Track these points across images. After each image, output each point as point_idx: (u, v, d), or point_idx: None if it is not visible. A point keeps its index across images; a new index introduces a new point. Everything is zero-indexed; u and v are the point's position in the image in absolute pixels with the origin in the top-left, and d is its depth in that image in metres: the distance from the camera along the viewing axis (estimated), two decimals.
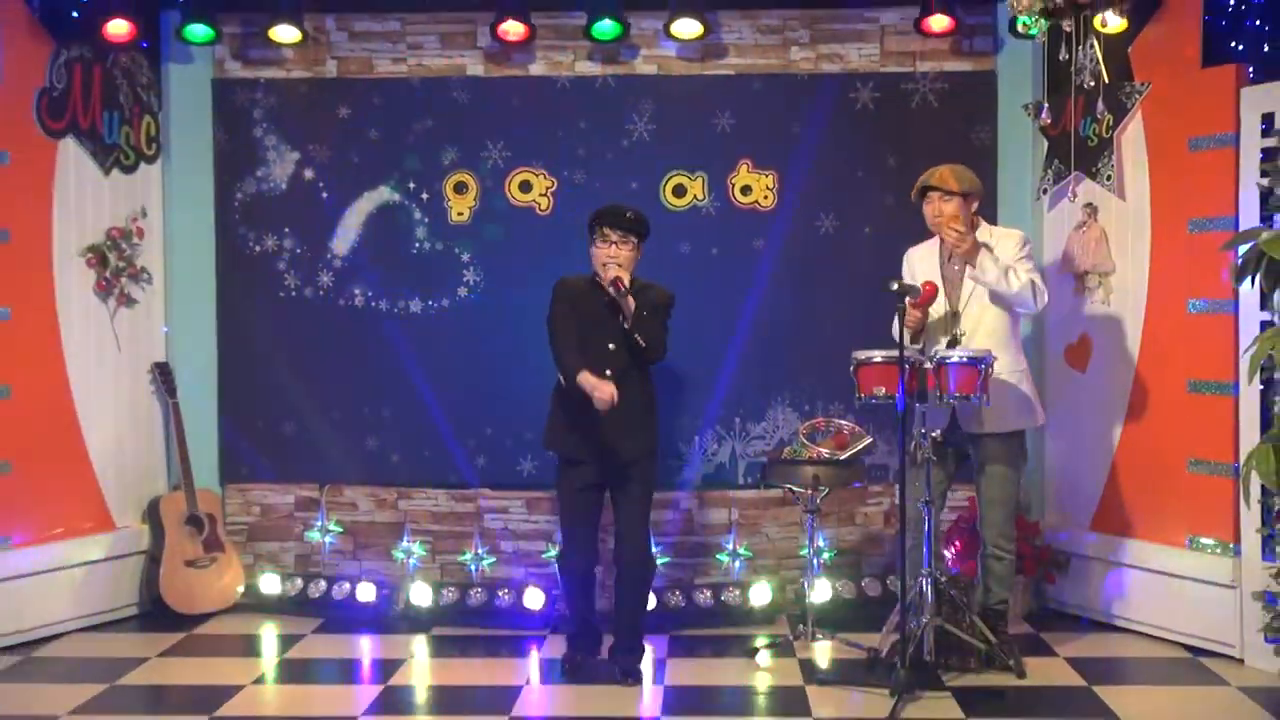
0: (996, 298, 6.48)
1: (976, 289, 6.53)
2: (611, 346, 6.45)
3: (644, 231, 6.50)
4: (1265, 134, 6.53)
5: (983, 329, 6.55)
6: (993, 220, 7.51)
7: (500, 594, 7.70)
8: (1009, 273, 6.40)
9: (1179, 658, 6.85)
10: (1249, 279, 6.04)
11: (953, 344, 6.40)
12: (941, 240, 6.65)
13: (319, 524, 8.10)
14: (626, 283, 6.36)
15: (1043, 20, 6.56)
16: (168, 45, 8.04)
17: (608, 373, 6.39)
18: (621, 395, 6.32)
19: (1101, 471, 7.46)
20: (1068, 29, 6.47)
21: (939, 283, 6.60)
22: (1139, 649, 7.03)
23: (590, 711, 6.21)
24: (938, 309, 6.61)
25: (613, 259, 6.39)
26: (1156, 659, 6.87)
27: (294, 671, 6.89)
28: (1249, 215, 6.57)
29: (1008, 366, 6.55)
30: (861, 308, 7.30)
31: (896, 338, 6.64)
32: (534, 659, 7.01)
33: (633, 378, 6.48)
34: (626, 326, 6.34)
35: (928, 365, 6.25)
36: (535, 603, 7.62)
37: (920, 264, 6.74)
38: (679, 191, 7.92)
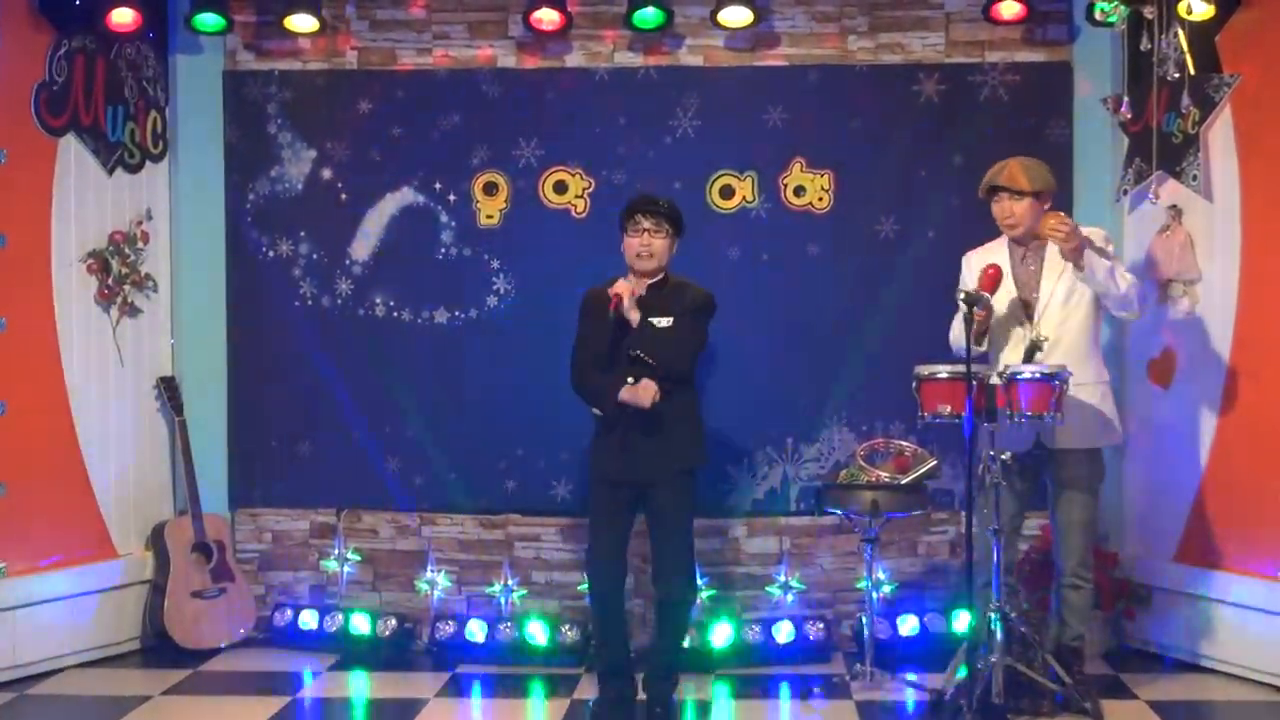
0: (1101, 296, 6.42)
1: (1056, 291, 6.49)
2: (639, 351, 6.41)
3: (679, 222, 6.53)
4: None
5: (1066, 337, 6.49)
6: None
7: (532, 629, 7.65)
8: (1114, 272, 6.33)
9: (1272, 701, 6.77)
10: None
11: (1032, 352, 6.31)
12: (1010, 241, 6.64)
13: (336, 552, 8.08)
14: (626, 300, 6.34)
15: (1122, 6, 6.54)
16: (176, 35, 8.05)
17: (629, 381, 6.37)
18: (645, 411, 6.34)
19: (1187, 497, 7.37)
20: (1150, 16, 6.43)
21: (1012, 285, 6.57)
22: (1227, 691, 6.94)
23: None
24: (1005, 305, 6.56)
25: (645, 248, 6.43)
26: (1247, 703, 6.79)
27: (309, 712, 6.87)
28: None
29: (1092, 377, 6.50)
30: (925, 319, 7.22)
31: (954, 345, 6.64)
32: (568, 700, 6.97)
33: (663, 387, 6.40)
34: (626, 343, 6.36)
35: (996, 381, 6.21)
36: (570, 639, 7.58)
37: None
38: (726, 193, 7.90)
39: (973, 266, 6.71)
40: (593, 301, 6.56)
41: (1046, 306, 6.50)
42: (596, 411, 6.50)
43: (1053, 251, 6.51)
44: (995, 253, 6.68)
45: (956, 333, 6.64)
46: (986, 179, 6.60)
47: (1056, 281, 6.49)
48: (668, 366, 6.35)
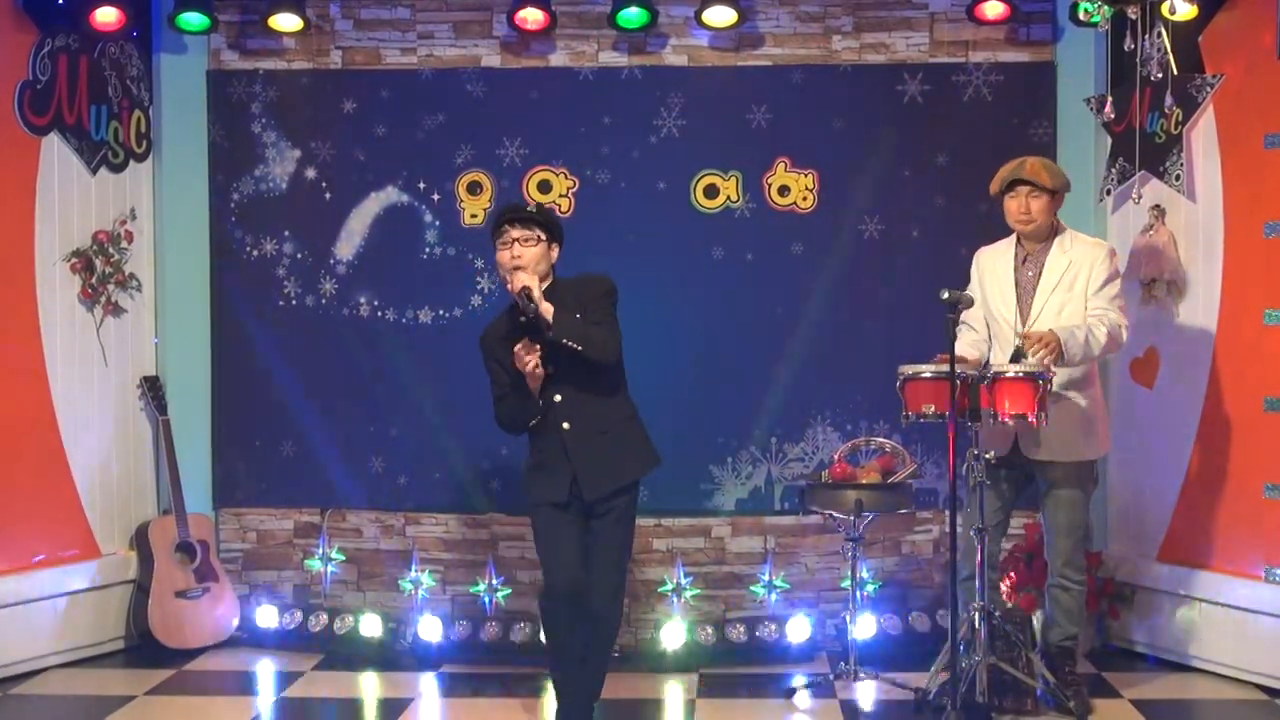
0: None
1: (1051, 301, 6.46)
2: (553, 369, 5.98)
3: (552, 227, 6.12)
4: None
5: None
6: None
7: (516, 628, 7.68)
8: (1088, 339, 6.24)
9: (1254, 700, 6.81)
10: None
11: (1018, 356, 6.25)
12: (1017, 239, 6.62)
13: (320, 552, 8.09)
14: (535, 288, 5.89)
15: (1106, 7, 6.54)
16: (160, 34, 8.05)
17: (556, 399, 6.01)
18: (578, 425, 6.04)
19: (1170, 497, 7.41)
20: (1133, 16, 6.45)
21: (1012, 290, 6.54)
22: (1211, 690, 6.98)
23: None
24: (1002, 307, 6.53)
25: (516, 259, 5.95)
26: (1230, 701, 6.83)
27: (292, 711, 6.91)
28: None
29: (1082, 388, 6.48)
30: (909, 318, 7.28)
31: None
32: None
33: (590, 401, 6.07)
34: (550, 335, 5.84)
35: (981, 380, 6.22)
36: None
37: (991, 269, 6.68)
38: (711, 192, 7.91)
39: (981, 267, 6.72)
40: (490, 340, 6.17)
41: (1040, 313, 6.49)
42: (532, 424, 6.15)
43: (1053, 258, 6.50)
44: (1001, 252, 6.68)
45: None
46: (1006, 174, 6.50)
47: (1052, 292, 6.47)
48: (593, 349, 5.90)
